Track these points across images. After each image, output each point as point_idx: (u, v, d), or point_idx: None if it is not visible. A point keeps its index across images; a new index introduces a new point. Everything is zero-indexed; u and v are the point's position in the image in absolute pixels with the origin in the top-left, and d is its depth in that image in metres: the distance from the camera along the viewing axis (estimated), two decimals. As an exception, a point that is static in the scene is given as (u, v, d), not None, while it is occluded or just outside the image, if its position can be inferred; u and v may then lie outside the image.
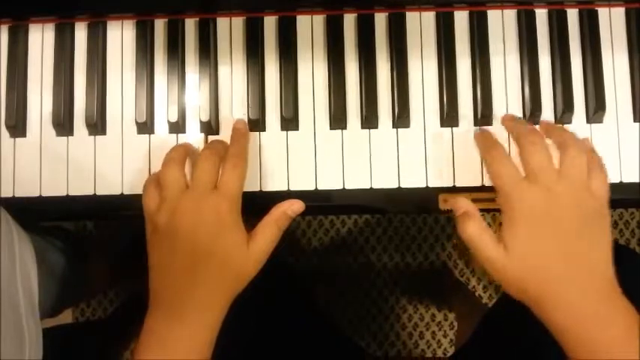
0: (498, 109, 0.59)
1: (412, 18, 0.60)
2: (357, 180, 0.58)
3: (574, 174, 0.49)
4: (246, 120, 0.59)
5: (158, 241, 0.52)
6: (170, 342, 0.50)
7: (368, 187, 0.58)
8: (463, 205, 0.52)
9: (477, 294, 1.26)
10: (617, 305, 0.47)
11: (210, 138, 0.59)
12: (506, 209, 0.50)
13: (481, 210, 0.56)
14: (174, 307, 0.51)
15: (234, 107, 0.59)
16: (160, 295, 0.51)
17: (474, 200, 0.56)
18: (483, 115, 0.58)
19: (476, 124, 0.59)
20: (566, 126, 0.59)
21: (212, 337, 0.51)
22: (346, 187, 0.58)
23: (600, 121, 0.59)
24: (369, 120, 0.58)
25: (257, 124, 0.59)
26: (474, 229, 0.50)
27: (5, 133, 0.59)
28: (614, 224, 1.27)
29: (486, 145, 0.55)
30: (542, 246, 0.48)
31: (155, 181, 0.53)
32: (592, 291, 0.47)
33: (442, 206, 0.58)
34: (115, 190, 0.58)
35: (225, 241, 0.51)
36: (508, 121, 0.58)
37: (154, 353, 0.50)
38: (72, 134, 0.59)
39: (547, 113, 0.59)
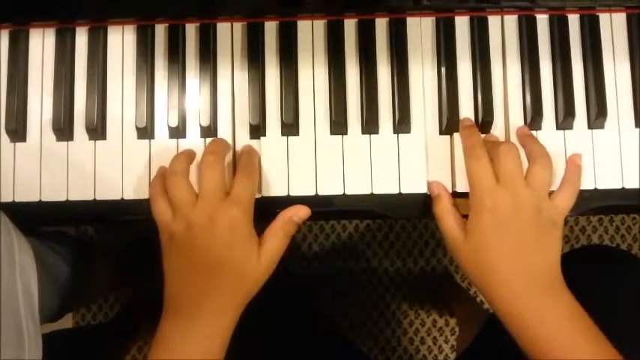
0: (499, 115, 0.59)
1: (413, 23, 0.60)
2: (358, 185, 0.58)
3: (537, 185, 0.53)
4: (247, 125, 0.59)
5: (175, 249, 0.53)
6: (184, 344, 0.51)
7: (369, 192, 0.58)
8: (434, 188, 0.57)
9: (478, 299, 1.25)
10: (562, 298, 0.52)
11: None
12: (475, 204, 0.53)
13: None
14: (188, 311, 0.52)
15: (235, 112, 0.59)
16: (175, 301, 0.53)
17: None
18: (484, 121, 0.58)
19: (477, 129, 0.59)
20: (567, 132, 0.58)
21: (225, 339, 0.53)
22: (347, 193, 0.58)
23: (602, 127, 0.59)
24: (370, 125, 0.58)
25: (257, 129, 0.58)
26: (440, 210, 0.56)
27: (5, 137, 0.59)
28: (616, 230, 1.27)
29: (470, 142, 0.56)
30: (500, 241, 0.52)
31: (162, 192, 0.54)
32: (538, 286, 0.52)
33: (443, 212, 0.58)
34: (115, 195, 0.58)
35: (239, 250, 0.52)
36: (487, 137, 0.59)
37: (168, 355, 0.51)
38: (72, 139, 0.59)
39: (548, 119, 0.59)
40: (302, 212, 0.55)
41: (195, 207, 0.52)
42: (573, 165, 0.57)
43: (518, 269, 0.52)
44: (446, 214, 0.56)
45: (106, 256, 1.03)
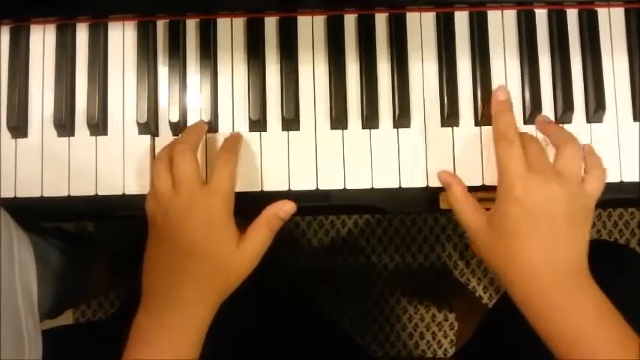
0: (499, 109, 0.59)
1: (412, 18, 0.60)
2: (358, 180, 0.58)
3: (569, 170, 0.51)
4: (247, 120, 0.59)
5: (155, 238, 0.53)
6: (157, 340, 0.50)
7: (369, 187, 0.58)
8: (445, 178, 0.56)
9: (477, 294, 1.26)
10: (588, 294, 0.49)
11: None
12: (503, 191, 0.51)
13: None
14: (162, 304, 0.51)
15: (235, 107, 0.60)
16: (150, 292, 0.52)
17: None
18: (484, 115, 0.59)
19: (476, 124, 0.59)
20: (566, 125, 0.59)
21: (199, 336, 0.51)
22: (347, 187, 0.58)
23: (600, 121, 0.59)
24: (370, 120, 0.58)
25: (258, 124, 0.59)
26: (453, 199, 0.54)
27: (6, 133, 0.59)
28: (614, 224, 1.27)
29: (503, 123, 0.55)
30: (527, 232, 0.49)
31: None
32: (565, 280, 0.49)
33: (443, 206, 0.58)
34: (117, 191, 0.58)
35: (215, 239, 0.51)
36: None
37: (141, 352, 0.50)
38: (73, 135, 0.60)
39: (547, 112, 0.59)
40: (287, 207, 0.54)
41: (173, 195, 0.52)
42: (591, 152, 0.56)
43: (546, 262, 0.49)
44: (460, 202, 0.54)
45: (106, 253, 1.03)
